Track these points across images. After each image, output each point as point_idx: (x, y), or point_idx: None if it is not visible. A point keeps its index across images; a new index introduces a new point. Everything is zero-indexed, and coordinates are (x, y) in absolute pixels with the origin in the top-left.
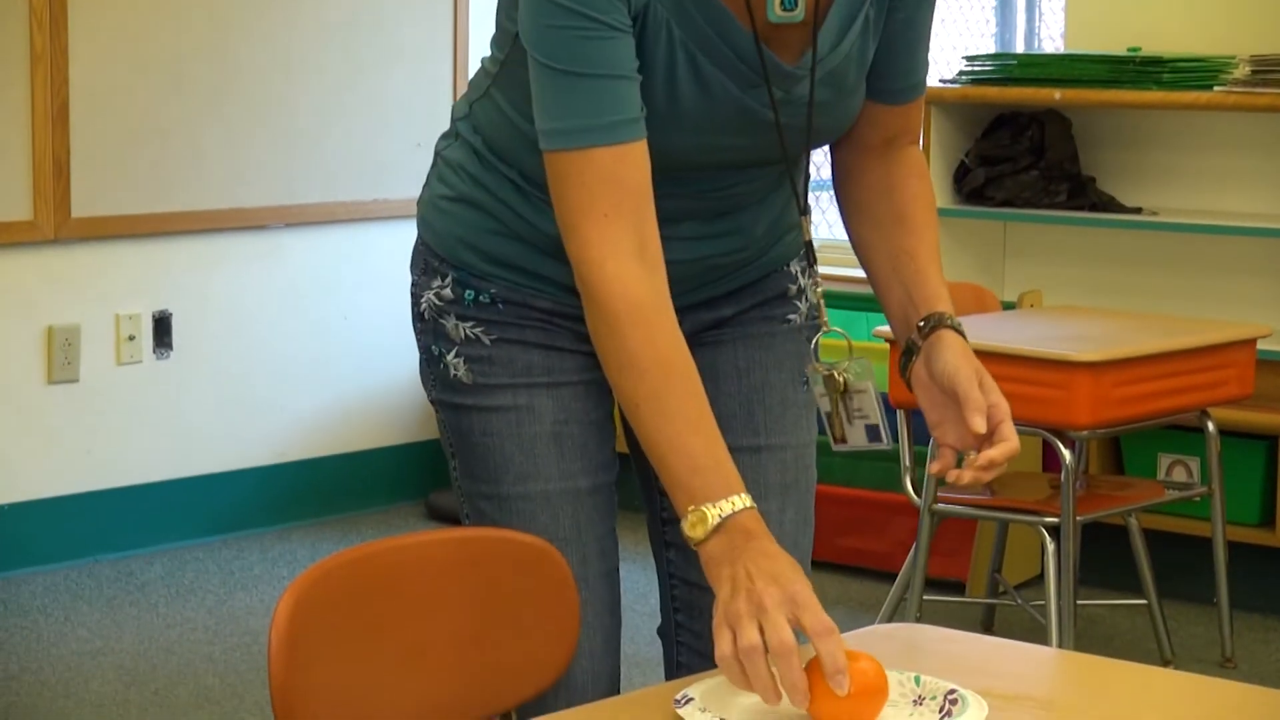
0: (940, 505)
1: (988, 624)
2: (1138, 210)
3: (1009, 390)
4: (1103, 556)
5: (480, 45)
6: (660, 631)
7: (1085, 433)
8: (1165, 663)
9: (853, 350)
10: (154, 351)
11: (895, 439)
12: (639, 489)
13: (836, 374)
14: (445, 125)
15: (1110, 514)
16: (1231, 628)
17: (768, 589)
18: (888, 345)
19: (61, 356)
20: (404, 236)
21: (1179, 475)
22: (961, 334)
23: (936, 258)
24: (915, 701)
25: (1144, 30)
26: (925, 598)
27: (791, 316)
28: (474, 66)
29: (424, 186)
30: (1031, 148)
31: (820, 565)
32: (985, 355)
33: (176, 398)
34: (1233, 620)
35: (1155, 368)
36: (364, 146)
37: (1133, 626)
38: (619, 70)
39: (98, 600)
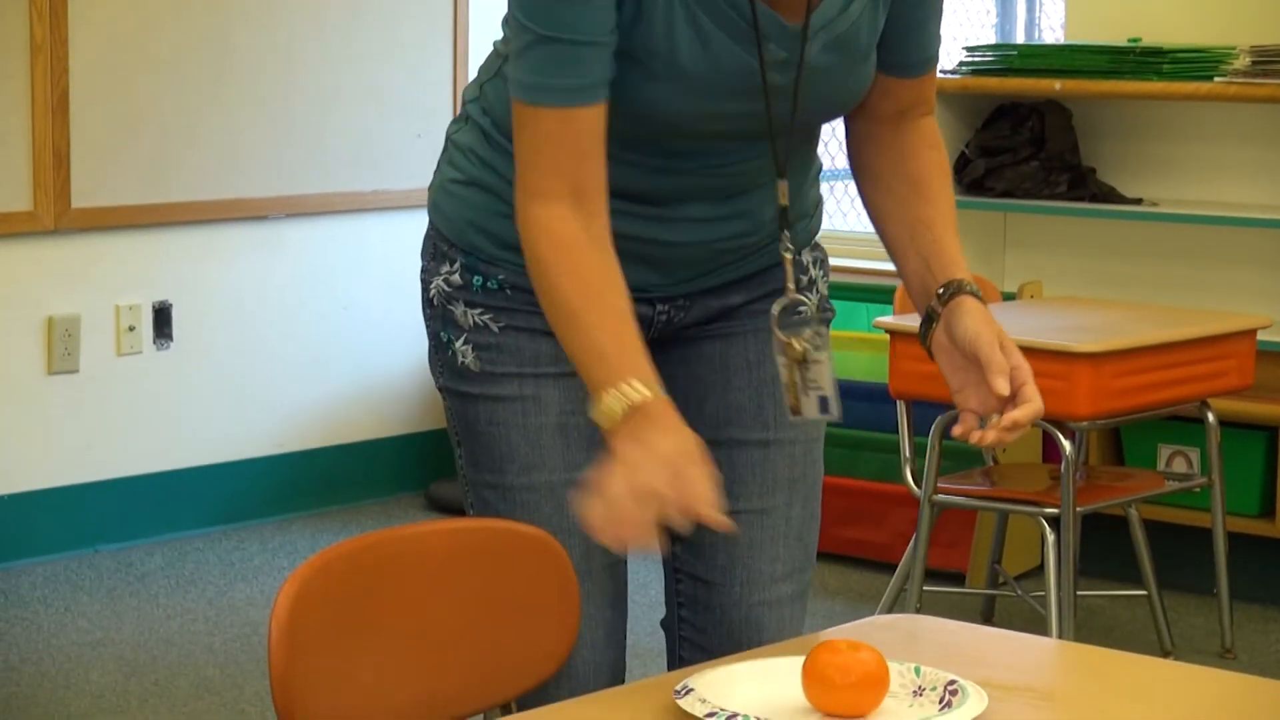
0: (940, 496)
1: (988, 615)
2: (1138, 201)
3: None
4: (1103, 547)
5: (480, 36)
6: (664, 624)
7: (1085, 423)
8: (1165, 653)
9: (814, 320)
10: (154, 342)
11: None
12: None
13: (796, 343)
14: (445, 116)
15: (1110, 505)
16: (1231, 618)
17: (656, 467)
18: (888, 337)
19: (61, 347)
20: (404, 227)
21: (1179, 466)
22: (980, 299)
23: (953, 225)
24: (915, 692)
25: (1144, 21)
26: (925, 589)
27: (802, 309)
28: (474, 57)
29: (435, 172)
30: (1032, 138)
31: (820, 556)
32: None
33: (176, 388)
34: (1233, 611)
35: (1155, 358)
36: (364, 137)
37: (1133, 617)
38: (588, 36)
39: (98, 591)
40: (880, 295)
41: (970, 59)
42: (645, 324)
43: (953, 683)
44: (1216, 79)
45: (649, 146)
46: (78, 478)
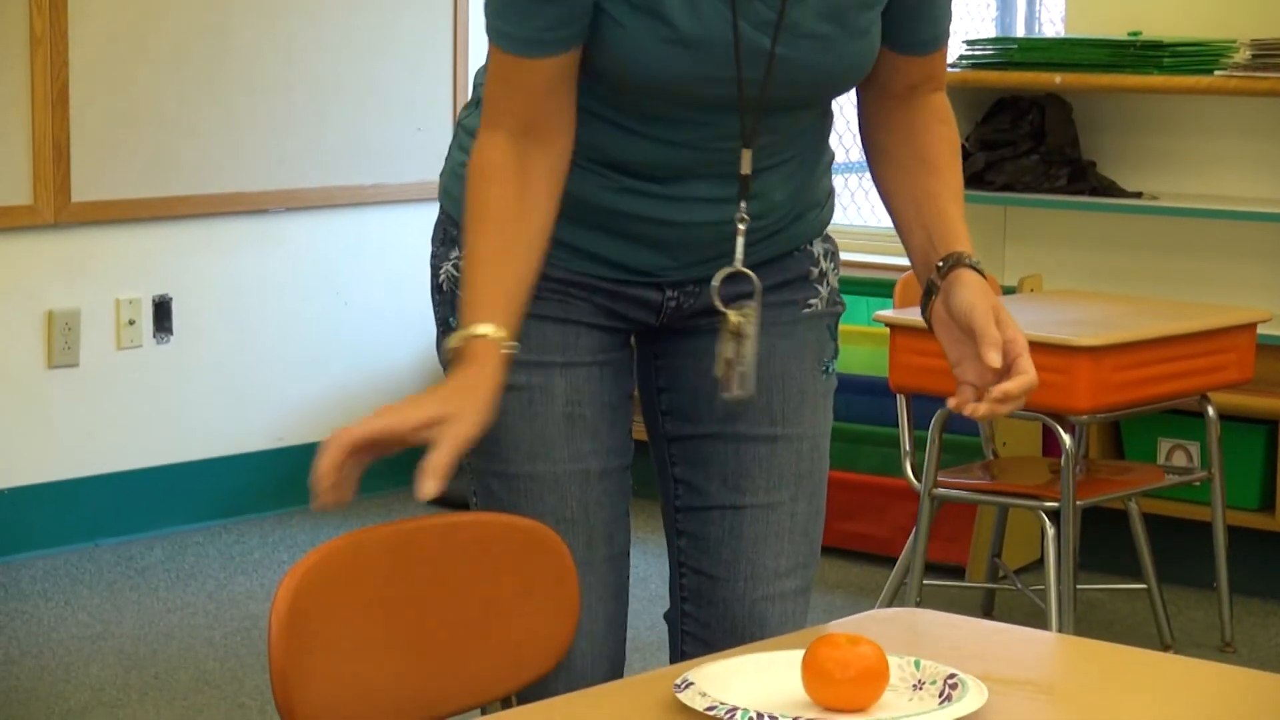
0: (940, 490)
1: (988, 608)
2: (1138, 195)
3: None
4: (1103, 541)
5: (480, 30)
6: (667, 617)
7: (1085, 417)
8: (1165, 647)
9: (751, 296)
10: (154, 336)
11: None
12: (655, 475)
13: (733, 315)
14: (445, 110)
15: (1110, 498)
16: (1231, 612)
17: (424, 401)
18: (889, 330)
19: (61, 341)
20: (404, 220)
21: (1179, 460)
22: (980, 273)
23: (957, 199)
24: (915, 686)
25: (1144, 14)
26: (925, 582)
27: (813, 301)
28: (474, 51)
29: (446, 158)
30: (1032, 132)
31: (821, 550)
32: None
33: (176, 382)
34: (1232, 605)
35: (1155, 352)
36: (364, 131)
37: (1132, 611)
38: None
39: (98, 585)
40: (881, 289)
41: (970, 52)
42: (654, 309)
43: (952, 676)
44: (1217, 72)
45: (646, 113)
46: (78, 471)
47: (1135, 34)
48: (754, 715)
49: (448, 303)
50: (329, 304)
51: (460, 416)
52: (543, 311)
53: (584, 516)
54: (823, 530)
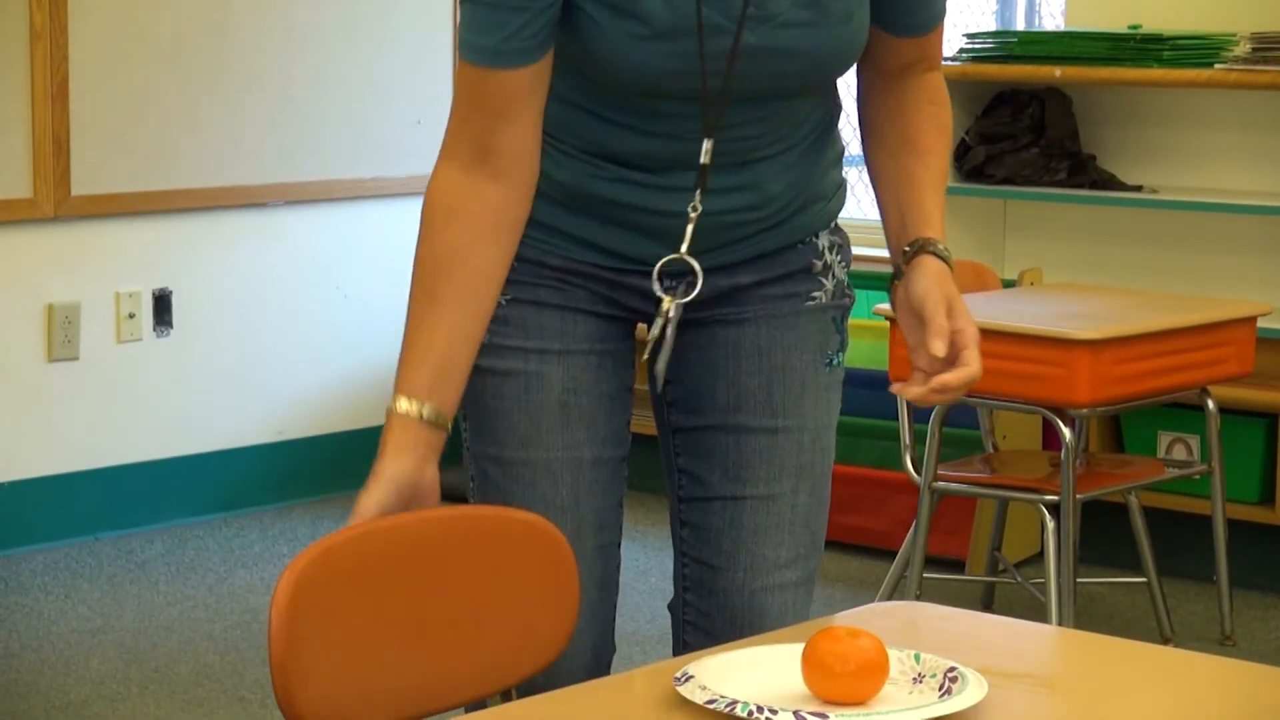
0: (940, 483)
1: (987, 602)
2: (1138, 188)
3: (1009, 368)
4: (1102, 534)
5: None
6: (670, 607)
7: (1085, 410)
8: (1165, 640)
9: (683, 292)
10: (154, 329)
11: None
12: (663, 466)
13: (666, 302)
14: (444, 103)
15: (1110, 492)
16: (1231, 605)
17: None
18: (889, 324)
19: (61, 334)
20: (403, 214)
21: (1179, 453)
22: (944, 260)
23: (937, 182)
24: (915, 679)
25: (1144, 8)
26: (925, 576)
27: (816, 294)
28: None
29: None
30: (1032, 125)
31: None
32: (985, 333)
33: (176, 375)
34: (1232, 598)
35: (1155, 345)
36: (363, 124)
37: (1132, 604)
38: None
39: (98, 578)
40: (881, 282)
41: (970, 46)
42: (654, 299)
43: (952, 670)
44: (1217, 66)
45: (631, 107)
46: (78, 465)
47: (1135, 27)
48: (754, 708)
49: None
50: (329, 297)
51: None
52: (542, 298)
53: (574, 504)
54: (826, 522)
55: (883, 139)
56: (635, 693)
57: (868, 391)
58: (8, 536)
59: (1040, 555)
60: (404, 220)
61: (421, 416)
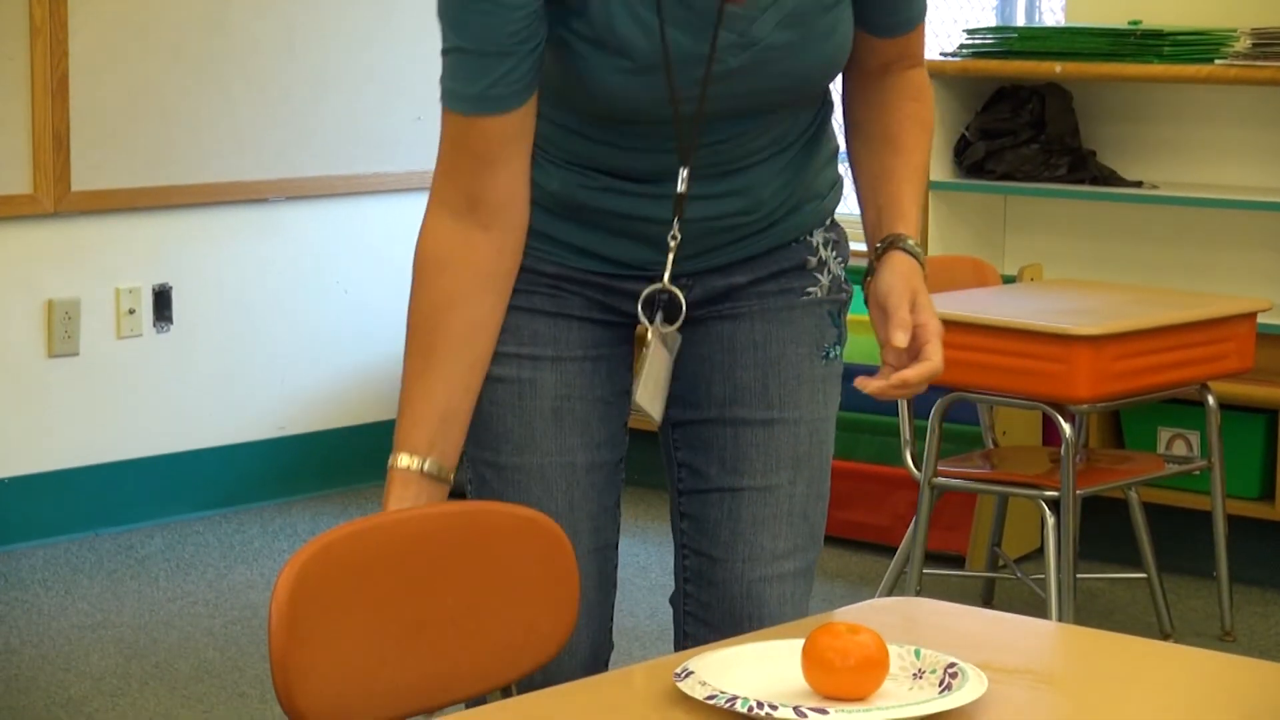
0: (940, 479)
1: (987, 598)
2: (1138, 184)
3: (1010, 364)
4: (1102, 530)
5: None
6: (672, 600)
7: (1085, 406)
8: (1165, 636)
9: (674, 320)
10: (154, 325)
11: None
12: (663, 462)
13: (648, 330)
14: None
15: (1110, 488)
16: (1231, 601)
17: None
18: None
19: (61, 330)
20: (403, 210)
21: (1179, 449)
22: (915, 256)
23: (914, 178)
24: (915, 675)
25: (1144, 3)
26: (925, 571)
27: (811, 289)
28: None
29: None
30: (1032, 121)
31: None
32: (985, 329)
33: (176, 371)
34: (1232, 594)
35: (1155, 341)
36: (364, 120)
37: (1132, 600)
38: (496, 45)
39: (98, 574)
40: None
41: (970, 41)
42: (648, 305)
43: (953, 665)
44: (1217, 61)
45: (616, 129)
46: (78, 461)
47: (1135, 23)
48: (754, 704)
49: None
50: (329, 293)
51: None
52: (535, 305)
53: (569, 509)
54: (825, 514)
55: (865, 136)
56: (636, 688)
57: None
58: (8, 532)
59: (1040, 551)
60: (404, 216)
61: (423, 470)
